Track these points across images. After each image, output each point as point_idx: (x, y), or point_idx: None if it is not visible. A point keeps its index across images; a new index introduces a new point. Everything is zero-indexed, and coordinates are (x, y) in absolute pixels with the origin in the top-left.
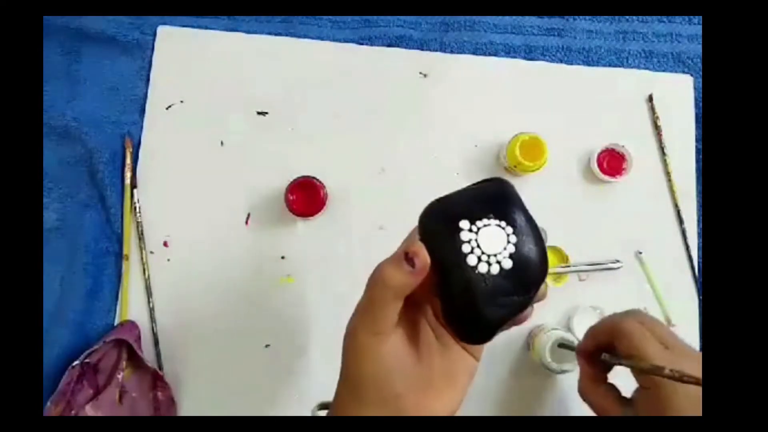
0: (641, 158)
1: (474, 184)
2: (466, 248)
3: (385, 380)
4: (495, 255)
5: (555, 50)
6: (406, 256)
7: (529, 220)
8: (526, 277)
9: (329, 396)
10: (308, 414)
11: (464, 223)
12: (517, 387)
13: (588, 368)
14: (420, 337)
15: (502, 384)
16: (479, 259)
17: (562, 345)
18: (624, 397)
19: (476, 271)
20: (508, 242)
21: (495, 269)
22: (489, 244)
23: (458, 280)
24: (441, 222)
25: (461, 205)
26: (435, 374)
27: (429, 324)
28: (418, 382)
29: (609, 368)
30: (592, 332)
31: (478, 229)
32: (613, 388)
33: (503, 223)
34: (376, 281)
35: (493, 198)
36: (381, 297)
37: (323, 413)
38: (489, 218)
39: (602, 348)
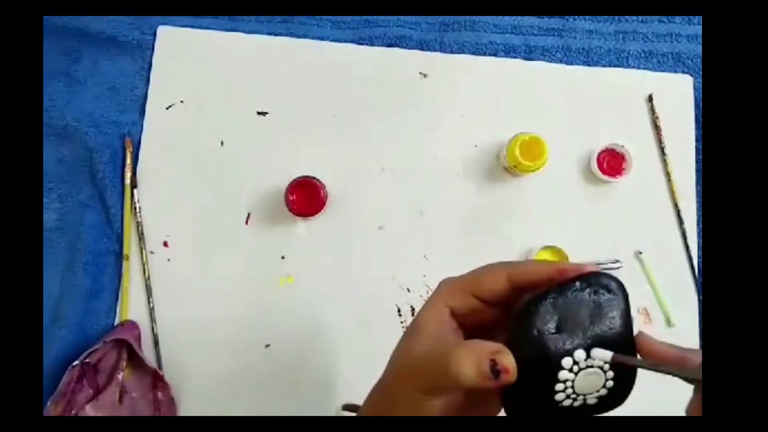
0: (641, 158)
1: (582, 272)
2: (559, 386)
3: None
4: (584, 396)
5: (555, 50)
6: (492, 363)
7: (634, 360)
8: (605, 408)
9: (329, 396)
10: (308, 414)
11: (567, 362)
12: None
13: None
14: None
15: None
16: (567, 396)
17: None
18: None
19: (559, 404)
20: (604, 387)
21: (578, 404)
22: (583, 386)
23: (537, 406)
24: (543, 352)
25: (571, 335)
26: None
27: None
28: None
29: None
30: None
31: (580, 370)
32: None
33: (606, 366)
34: (445, 370)
35: (611, 325)
36: (445, 383)
37: (347, 414)
38: (594, 358)
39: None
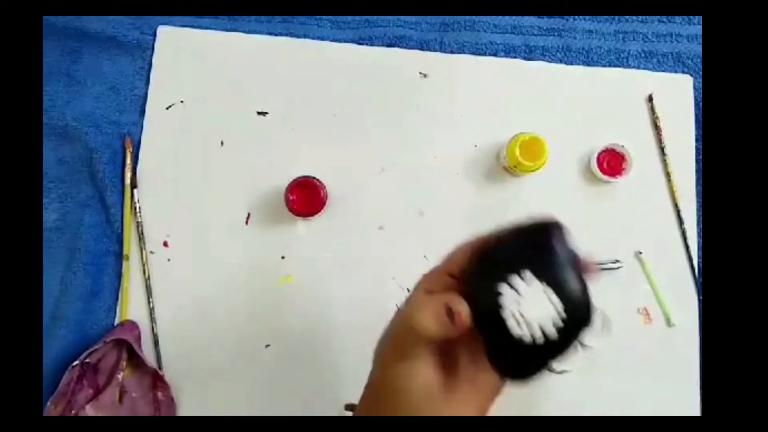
0: (641, 158)
1: (518, 226)
2: (511, 322)
3: (407, 402)
4: (541, 327)
5: (555, 50)
6: (447, 310)
7: (577, 276)
8: (571, 334)
9: (329, 396)
10: (308, 414)
11: (505, 287)
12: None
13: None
14: (451, 354)
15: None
16: (522, 328)
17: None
18: None
19: (521, 340)
20: (557, 313)
21: (539, 337)
22: (532, 313)
23: (503, 344)
24: (485, 281)
25: (505, 263)
26: (461, 383)
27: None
28: (444, 396)
29: None
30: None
31: (521, 295)
32: None
33: (549, 290)
34: (410, 328)
35: (542, 256)
36: (413, 342)
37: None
38: (534, 281)
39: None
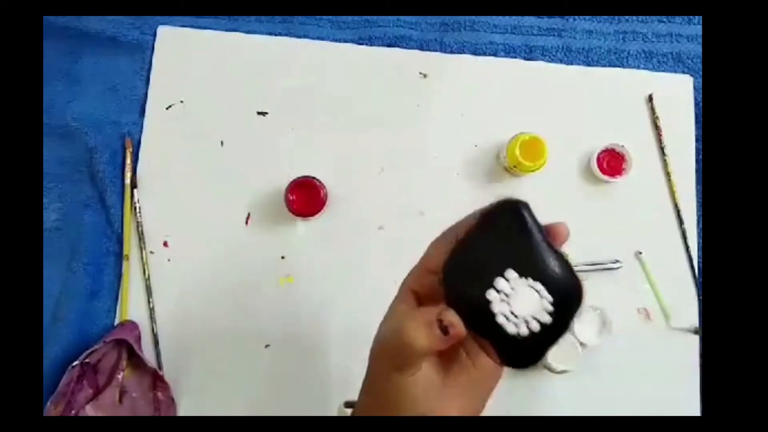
0: (641, 158)
1: (483, 213)
2: (502, 320)
3: (411, 407)
4: (535, 318)
5: (555, 50)
6: (439, 323)
7: (554, 253)
8: (564, 317)
9: (329, 396)
10: (309, 414)
11: (492, 294)
12: (517, 387)
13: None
14: (449, 354)
15: (502, 384)
16: (515, 324)
17: None
18: None
19: (517, 337)
20: (542, 298)
21: (535, 327)
22: (522, 307)
23: (497, 341)
24: (469, 289)
25: (486, 266)
26: (461, 383)
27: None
28: (443, 395)
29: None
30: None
31: (508, 296)
32: None
33: (531, 280)
34: (403, 342)
35: (516, 245)
36: (408, 355)
37: (349, 411)
38: (519, 280)
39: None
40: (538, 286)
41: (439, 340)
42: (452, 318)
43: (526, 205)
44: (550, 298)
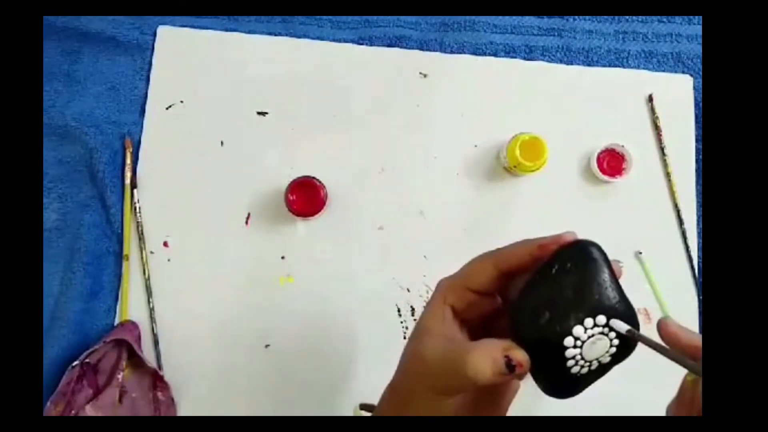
0: (641, 158)
1: (556, 252)
2: (570, 363)
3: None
4: (597, 359)
5: (555, 50)
6: (507, 360)
7: (624, 298)
8: (619, 358)
9: (329, 396)
10: (308, 414)
11: (569, 341)
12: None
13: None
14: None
15: None
16: (581, 366)
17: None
18: None
19: (578, 375)
20: (611, 346)
21: (594, 366)
22: (592, 353)
23: (557, 376)
24: (545, 341)
25: (563, 309)
26: (487, 409)
27: None
28: (473, 408)
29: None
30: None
31: (583, 343)
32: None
33: (606, 330)
34: (461, 371)
35: (593, 288)
36: (462, 384)
37: (364, 413)
38: (593, 326)
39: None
40: (611, 333)
41: (503, 375)
42: (522, 358)
43: (598, 246)
44: (617, 342)
